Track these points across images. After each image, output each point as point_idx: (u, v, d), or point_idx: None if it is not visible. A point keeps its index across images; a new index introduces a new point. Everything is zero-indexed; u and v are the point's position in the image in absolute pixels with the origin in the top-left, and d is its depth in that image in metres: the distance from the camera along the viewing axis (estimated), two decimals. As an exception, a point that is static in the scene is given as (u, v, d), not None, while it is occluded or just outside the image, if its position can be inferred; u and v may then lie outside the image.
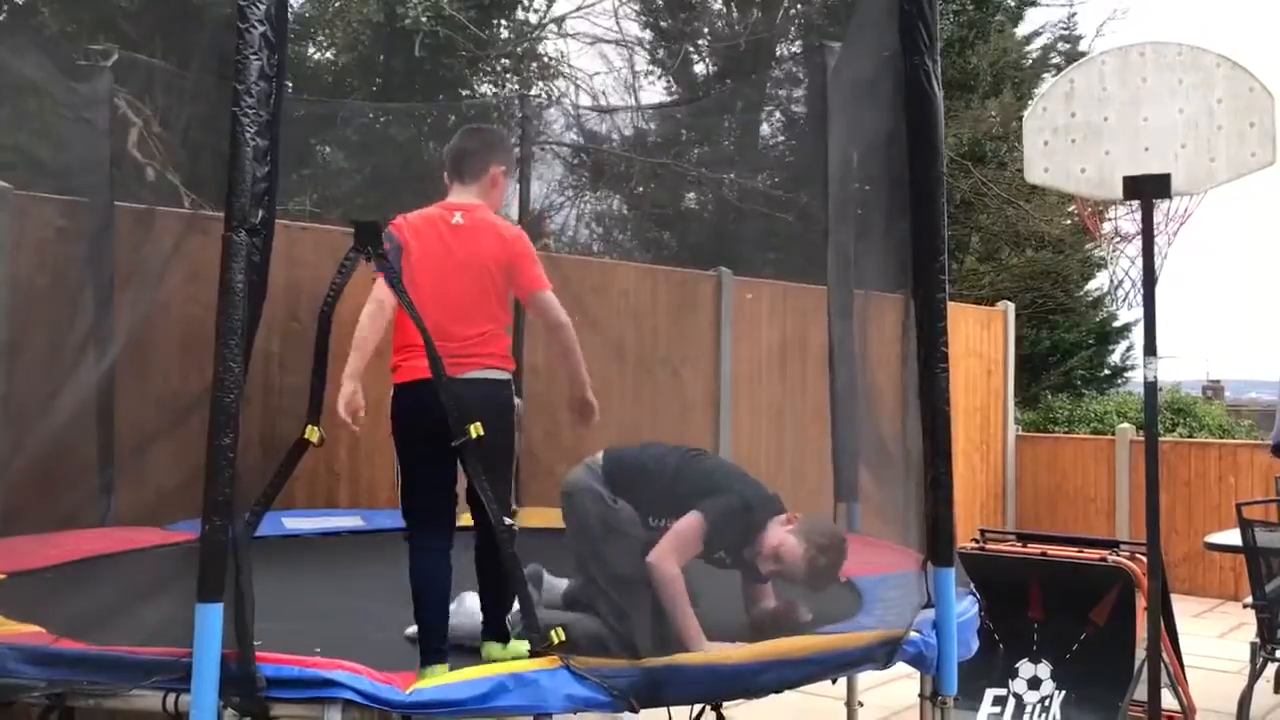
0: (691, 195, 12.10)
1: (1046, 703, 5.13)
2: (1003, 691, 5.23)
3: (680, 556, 3.57)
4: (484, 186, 3.66)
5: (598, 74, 11.97)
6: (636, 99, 12.51)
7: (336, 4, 10.23)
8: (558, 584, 4.00)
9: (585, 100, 11.32)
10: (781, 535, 3.76)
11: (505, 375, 3.49)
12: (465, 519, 3.46)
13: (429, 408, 3.18)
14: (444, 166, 3.72)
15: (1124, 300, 5.38)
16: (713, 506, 3.65)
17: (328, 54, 10.62)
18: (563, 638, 3.00)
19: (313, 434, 2.96)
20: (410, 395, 3.37)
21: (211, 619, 2.58)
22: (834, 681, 3.90)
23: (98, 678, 2.81)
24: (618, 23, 11.84)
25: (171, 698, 2.72)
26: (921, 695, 3.56)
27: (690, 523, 3.61)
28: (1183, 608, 6.56)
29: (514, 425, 3.52)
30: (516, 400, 3.56)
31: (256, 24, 2.60)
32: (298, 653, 2.85)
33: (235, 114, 2.61)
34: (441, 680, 2.92)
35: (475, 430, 3.11)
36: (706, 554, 3.74)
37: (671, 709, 3.39)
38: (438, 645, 3.24)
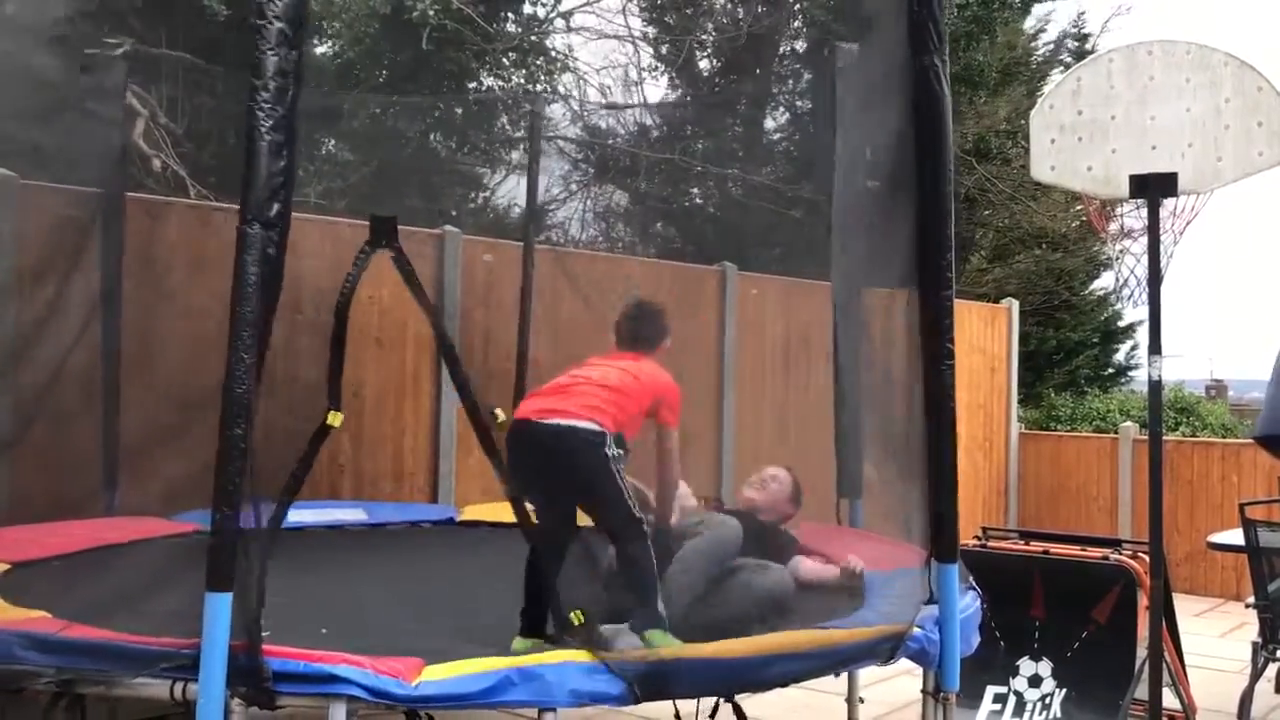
0: (696, 190, 12.10)
1: (1047, 700, 5.14)
2: (1003, 689, 5.24)
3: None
4: (656, 354, 4.20)
5: (604, 68, 11.93)
6: (642, 94, 12.51)
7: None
8: None
9: (591, 95, 11.32)
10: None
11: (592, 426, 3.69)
12: None
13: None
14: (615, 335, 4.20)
15: (1129, 299, 5.38)
16: None
17: (335, 46, 10.62)
18: (582, 620, 3.02)
19: (335, 419, 2.99)
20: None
21: (220, 609, 2.59)
22: (836, 675, 3.93)
23: (106, 665, 2.83)
24: (625, 18, 11.83)
25: (179, 686, 2.74)
26: (924, 691, 3.58)
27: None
28: (1184, 607, 6.56)
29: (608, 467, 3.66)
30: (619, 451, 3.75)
31: (274, 19, 2.60)
32: (302, 643, 2.87)
33: (251, 109, 2.62)
34: (446, 674, 2.93)
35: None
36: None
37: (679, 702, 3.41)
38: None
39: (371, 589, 4.53)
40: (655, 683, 2.96)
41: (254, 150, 2.60)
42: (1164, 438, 5.12)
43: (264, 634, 2.71)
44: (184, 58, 6.37)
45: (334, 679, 2.73)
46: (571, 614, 3.04)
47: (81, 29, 6.55)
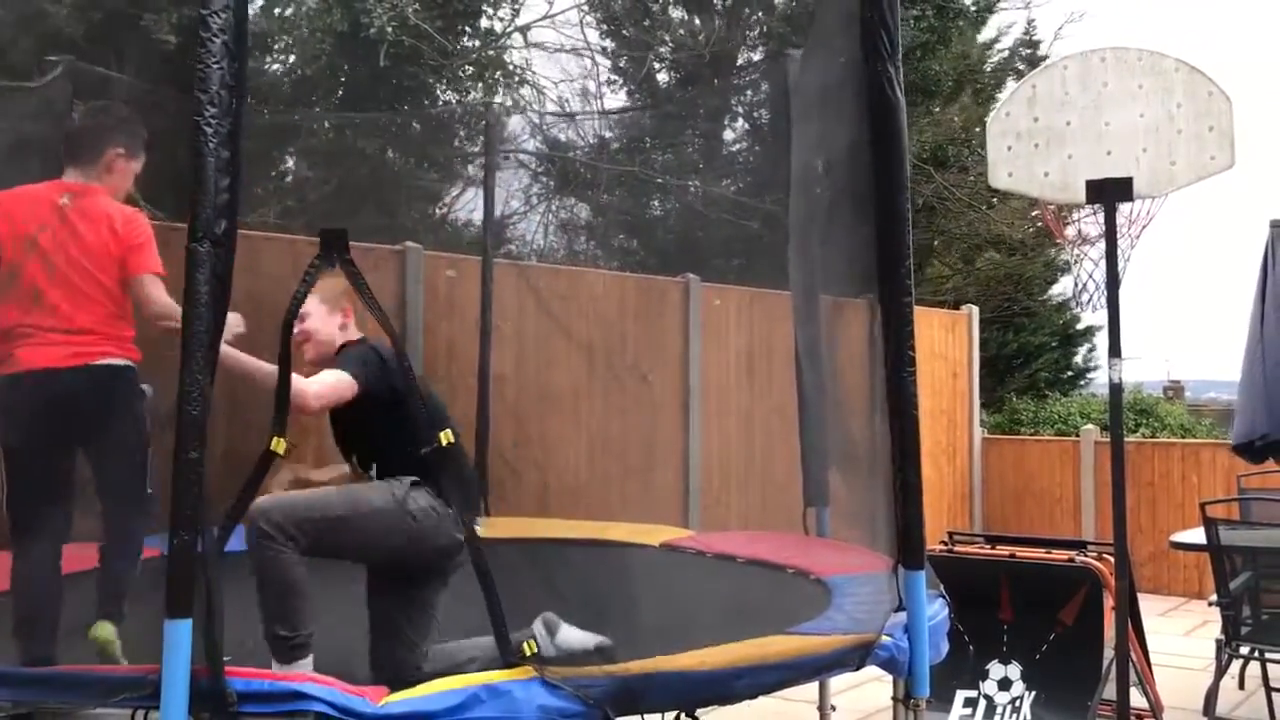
0: (657, 202, 12.12)
1: (1017, 704, 5.16)
2: (973, 693, 5.26)
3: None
4: (99, 170, 3.56)
5: (563, 82, 11.94)
6: (602, 106, 12.53)
7: (289, 11, 10.15)
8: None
9: (550, 108, 11.31)
10: None
11: (126, 363, 3.45)
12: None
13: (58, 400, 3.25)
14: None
15: (1088, 303, 5.43)
16: None
17: (290, 62, 10.55)
18: (535, 649, 2.99)
19: (279, 445, 2.94)
20: (38, 384, 3.31)
21: (180, 635, 2.54)
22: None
23: (65, 696, 2.78)
24: (583, 32, 11.85)
25: (140, 715, 2.69)
26: (894, 698, 3.57)
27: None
28: (1149, 606, 6.62)
29: (141, 414, 3.47)
30: (145, 387, 3.51)
31: (218, 33, 2.58)
32: (263, 667, 2.83)
33: (198, 124, 2.58)
34: (413, 692, 2.89)
35: (445, 438, 3.13)
36: None
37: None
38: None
39: (333, 608, 4.47)
40: (625, 698, 2.94)
41: (201, 166, 2.56)
42: (1125, 439, 5.17)
43: (225, 658, 2.67)
44: (126, 79, 6.29)
45: (300, 696, 2.69)
46: (525, 644, 3.01)
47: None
